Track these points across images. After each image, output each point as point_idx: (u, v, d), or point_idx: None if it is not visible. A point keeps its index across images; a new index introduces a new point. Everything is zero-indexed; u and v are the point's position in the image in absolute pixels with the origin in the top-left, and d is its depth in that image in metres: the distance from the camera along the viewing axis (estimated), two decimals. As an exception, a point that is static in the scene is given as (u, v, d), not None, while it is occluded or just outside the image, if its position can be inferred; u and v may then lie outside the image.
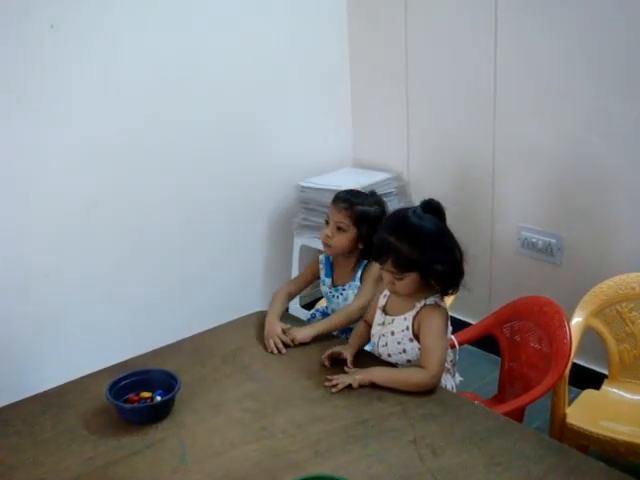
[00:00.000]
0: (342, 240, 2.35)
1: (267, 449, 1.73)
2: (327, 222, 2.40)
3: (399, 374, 2.01)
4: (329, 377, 2.01)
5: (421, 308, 2.05)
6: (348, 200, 2.37)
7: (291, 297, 2.51)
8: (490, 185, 3.32)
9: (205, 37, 3.22)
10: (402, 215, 2.05)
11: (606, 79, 2.81)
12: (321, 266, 2.50)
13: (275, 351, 2.20)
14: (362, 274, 2.39)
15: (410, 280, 2.01)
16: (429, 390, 1.95)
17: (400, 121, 3.64)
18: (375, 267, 2.36)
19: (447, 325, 2.08)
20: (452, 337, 2.26)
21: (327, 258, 2.49)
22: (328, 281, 2.48)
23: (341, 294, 2.44)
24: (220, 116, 3.34)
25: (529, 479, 1.60)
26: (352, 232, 2.35)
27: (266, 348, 2.22)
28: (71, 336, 3.03)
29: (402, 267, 1.99)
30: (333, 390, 1.96)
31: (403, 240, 1.98)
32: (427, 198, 2.07)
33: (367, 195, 2.43)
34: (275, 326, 2.27)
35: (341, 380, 1.98)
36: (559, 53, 2.93)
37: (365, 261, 2.40)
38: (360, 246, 2.37)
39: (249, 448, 1.73)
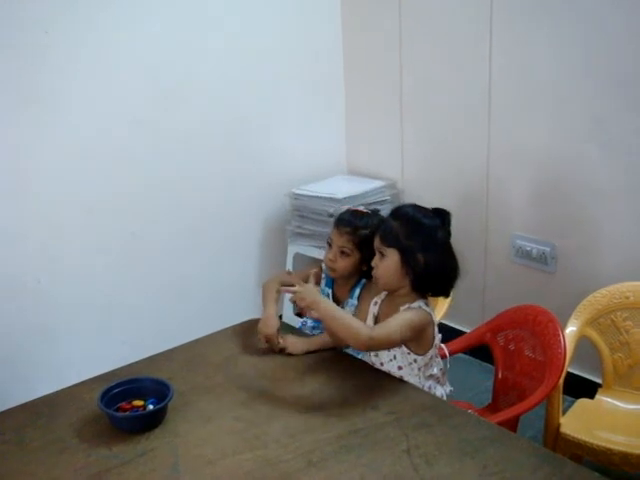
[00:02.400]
0: (346, 264, 2.33)
1: (260, 458, 1.71)
2: (329, 244, 2.37)
3: (344, 315, 2.00)
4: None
5: (404, 310, 2.07)
6: (351, 224, 2.32)
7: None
8: (484, 193, 3.33)
9: (198, 46, 3.22)
10: (405, 204, 2.22)
11: (603, 87, 2.81)
12: (323, 275, 2.48)
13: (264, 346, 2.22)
14: (360, 293, 2.37)
15: (390, 262, 2.06)
16: (359, 347, 2.00)
17: (394, 128, 3.64)
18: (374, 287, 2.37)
19: (423, 327, 2.06)
20: (442, 346, 2.26)
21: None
22: (327, 291, 2.47)
23: None
24: (214, 122, 3.34)
25: (523, 489, 1.59)
26: (356, 256, 2.32)
27: (265, 349, 2.22)
28: (63, 343, 3.02)
29: (386, 240, 2.08)
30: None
31: (396, 219, 2.10)
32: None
33: (370, 215, 2.38)
34: (272, 324, 2.24)
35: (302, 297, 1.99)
36: (555, 61, 2.93)
37: (364, 280, 2.38)
38: (364, 268, 2.34)
39: (242, 457, 1.72)
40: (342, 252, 2.33)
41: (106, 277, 3.12)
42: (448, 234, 2.10)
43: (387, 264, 2.07)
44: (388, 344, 2.04)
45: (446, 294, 2.18)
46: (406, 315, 2.04)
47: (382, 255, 2.08)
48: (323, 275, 2.49)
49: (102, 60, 2.93)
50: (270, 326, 2.23)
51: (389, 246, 2.07)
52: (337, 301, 2.44)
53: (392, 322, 2.02)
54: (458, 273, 2.10)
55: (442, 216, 2.10)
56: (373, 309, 2.21)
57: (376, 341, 1.97)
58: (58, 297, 2.99)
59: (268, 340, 2.22)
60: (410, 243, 2.04)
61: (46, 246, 2.91)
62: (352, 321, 1.98)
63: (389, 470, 1.65)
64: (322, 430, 1.81)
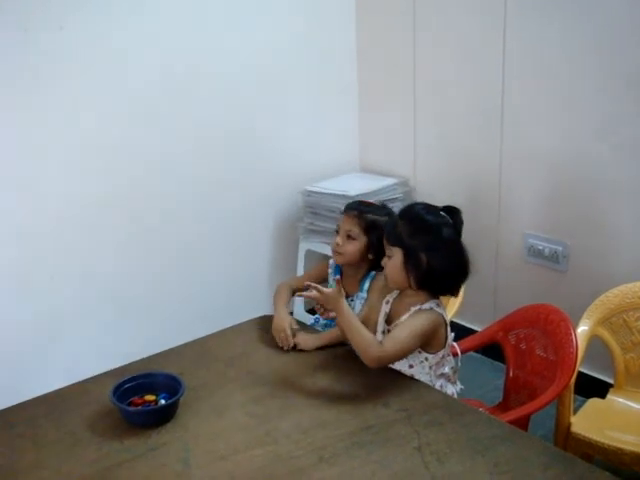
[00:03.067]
0: (352, 249, 2.34)
1: (271, 454, 1.72)
2: (337, 232, 2.39)
3: (361, 327, 1.99)
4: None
5: (415, 312, 2.06)
6: (358, 208, 2.38)
7: (294, 292, 2.49)
8: (497, 192, 3.32)
9: (207, 44, 3.22)
10: (414, 203, 2.20)
11: (615, 88, 2.80)
12: (330, 270, 2.49)
13: (283, 345, 2.23)
14: (370, 286, 2.38)
15: (396, 261, 2.05)
16: (368, 363, 1.96)
17: (407, 126, 3.63)
18: (383, 278, 2.37)
19: (434, 330, 2.06)
20: (454, 344, 2.26)
21: (337, 265, 2.48)
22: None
23: (349, 305, 2.43)
24: (226, 119, 3.34)
25: (534, 488, 1.59)
26: (362, 241, 2.34)
27: (277, 345, 2.24)
28: (75, 338, 3.03)
29: (390, 239, 2.08)
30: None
31: (402, 217, 2.11)
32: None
33: (378, 206, 2.43)
34: (285, 321, 2.27)
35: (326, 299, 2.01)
36: (568, 61, 2.92)
37: (373, 272, 2.38)
38: (370, 256, 2.35)
39: (253, 453, 1.73)
40: (348, 236, 2.35)
41: (118, 273, 3.13)
42: (456, 232, 2.08)
43: (393, 263, 2.07)
44: (397, 359, 2.04)
45: (454, 293, 2.17)
46: (416, 322, 2.03)
47: (389, 254, 2.09)
48: (330, 270, 2.50)
49: (114, 58, 2.93)
50: (284, 320, 2.27)
51: (393, 245, 2.07)
52: (345, 295, 2.44)
53: (402, 334, 2.00)
54: (466, 272, 2.07)
55: (453, 214, 2.09)
56: (385, 308, 2.20)
57: (385, 360, 1.99)
58: (70, 293, 3.00)
59: (283, 332, 2.24)
60: (413, 242, 2.03)
61: (59, 243, 2.92)
62: (366, 337, 1.97)
63: (400, 467, 1.65)
64: (333, 426, 1.81)
